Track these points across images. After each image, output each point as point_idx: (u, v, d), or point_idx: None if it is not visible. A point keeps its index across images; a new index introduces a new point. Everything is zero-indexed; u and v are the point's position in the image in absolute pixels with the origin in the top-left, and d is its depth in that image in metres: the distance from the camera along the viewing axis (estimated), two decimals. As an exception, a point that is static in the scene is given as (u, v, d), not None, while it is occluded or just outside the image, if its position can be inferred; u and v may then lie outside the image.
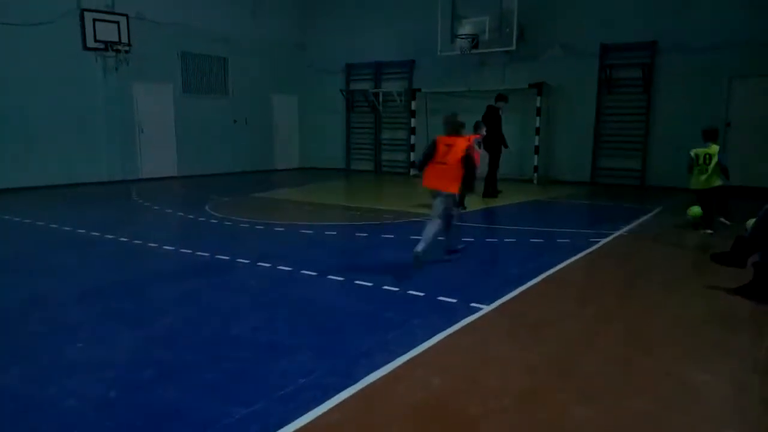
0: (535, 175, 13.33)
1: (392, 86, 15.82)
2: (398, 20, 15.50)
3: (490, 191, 10.65)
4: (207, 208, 9.07)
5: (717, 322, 4.07)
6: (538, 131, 13.19)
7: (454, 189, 5.43)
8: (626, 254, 6.28)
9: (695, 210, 7.64)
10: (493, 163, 10.66)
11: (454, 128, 5.58)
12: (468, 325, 3.84)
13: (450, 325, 3.78)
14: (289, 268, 5.29)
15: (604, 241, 6.67)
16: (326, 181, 14.00)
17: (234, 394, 2.86)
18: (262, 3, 15.98)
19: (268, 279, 5.05)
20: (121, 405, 2.76)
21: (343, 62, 16.70)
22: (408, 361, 3.24)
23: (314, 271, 5.18)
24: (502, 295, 4.46)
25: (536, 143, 13.22)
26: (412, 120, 15.38)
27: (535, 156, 13.34)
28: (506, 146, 10.86)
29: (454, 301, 4.33)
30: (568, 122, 13.22)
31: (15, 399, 2.82)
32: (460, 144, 5.41)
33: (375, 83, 16.33)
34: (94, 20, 12.13)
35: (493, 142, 10.37)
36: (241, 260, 5.61)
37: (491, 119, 10.36)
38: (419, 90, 15.17)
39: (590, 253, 6.10)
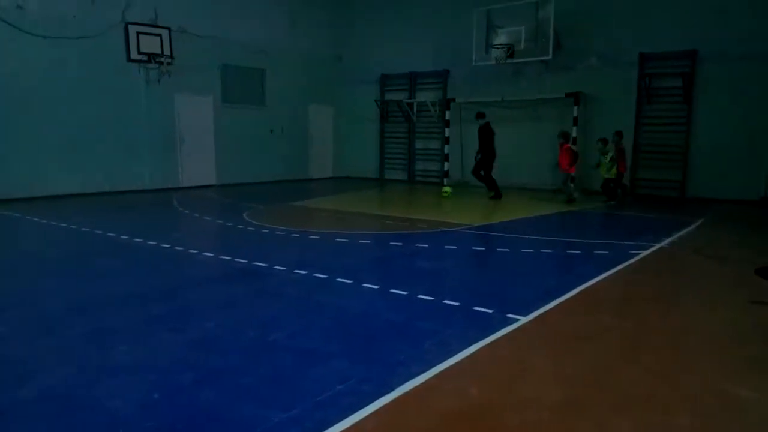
0: (572, 185, 13.13)
1: (426, 96, 15.87)
2: (433, 31, 15.58)
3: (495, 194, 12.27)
4: (245, 216, 9.24)
5: (762, 337, 3.93)
6: (575, 141, 13.01)
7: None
8: (667, 267, 6.12)
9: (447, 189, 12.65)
10: (489, 168, 12.30)
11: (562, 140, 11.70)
12: (504, 336, 3.81)
13: (486, 336, 3.76)
14: (325, 276, 5.35)
15: (644, 253, 6.52)
16: (360, 191, 14.09)
17: (272, 399, 2.90)
18: (300, 15, 16.30)
19: (305, 286, 5.11)
20: (163, 407, 2.83)
21: (378, 73, 16.84)
22: (444, 370, 3.24)
23: (349, 279, 5.23)
24: (540, 307, 4.41)
25: (573, 153, 13.03)
26: (446, 130, 15.36)
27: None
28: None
29: (491, 311, 4.30)
30: (606, 132, 12.99)
31: (63, 399, 2.92)
32: (564, 146, 11.70)
33: (409, 93, 16.41)
34: (138, 33, 12.56)
35: (491, 152, 12.19)
36: (278, 267, 5.70)
37: (488, 134, 12.10)
38: (453, 100, 15.17)
39: (630, 265, 5.97)
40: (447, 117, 15.26)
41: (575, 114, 13.02)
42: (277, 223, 8.49)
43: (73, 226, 8.14)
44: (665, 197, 12.35)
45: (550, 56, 13.07)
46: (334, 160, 17.92)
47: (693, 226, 8.57)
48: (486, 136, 12.07)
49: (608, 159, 11.78)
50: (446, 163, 15.54)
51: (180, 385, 3.06)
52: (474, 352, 3.51)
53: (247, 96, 15.20)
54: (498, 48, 13.73)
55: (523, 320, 4.11)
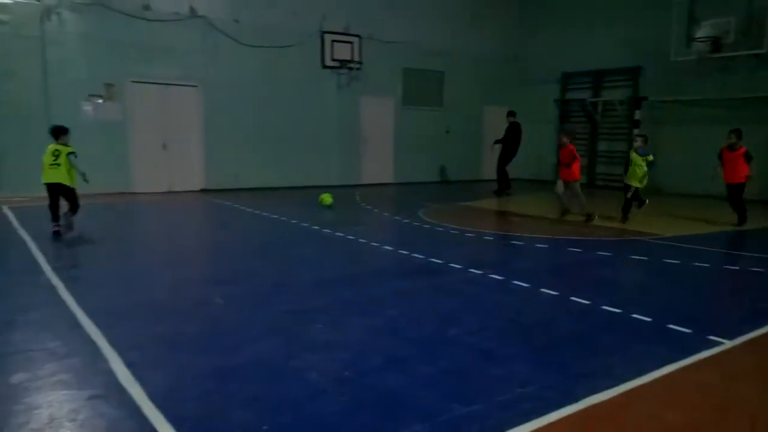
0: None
1: (613, 95, 14.86)
2: (622, 25, 14.53)
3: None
4: (420, 213, 9.54)
5: None
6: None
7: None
8: None
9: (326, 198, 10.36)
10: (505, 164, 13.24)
11: (735, 141, 8.88)
12: (705, 359, 3.44)
13: (682, 358, 3.43)
14: (501, 278, 5.32)
15: None
16: (535, 193, 13.69)
17: (452, 392, 2.98)
18: (479, 16, 16.31)
19: (480, 286, 5.14)
20: (354, 384, 3.07)
21: (560, 71, 16.18)
22: (634, 389, 3.03)
23: (526, 283, 5.13)
24: (749, 331, 3.90)
25: (793, 159, 11.24)
26: (635, 131, 14.21)
27: (791, 174, 11.34)
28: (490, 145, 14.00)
29: (688, 331, 3.91)
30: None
31: (270, 366, 3.31)
32: (741, 150, 8.80)
33: (594, 92, 15.49)
34: (333, 41, 13.62)
35: (513, 149, 13.27)
36: (453, 265, 5.81)
37: (517, 132, 13.18)
38: (645, 98, 13.98)
39: None
40: (636, 117, 14.14)
41: (798, 114, 11.22)
42: (451, 222, 8.63)
43: (275, 216, 9.14)
44: None
45: (765, 49, 11.42)
46: (508, 161, 17.63)
47: None
48: (513, 133, 13.10)
49: (647, 163, 8.80)
50: (632, 168, 14.39)
51: (368, 366, 3.29)
52: (669, 374, 3.23)
53: (425, 98, 15.65)
54: (701, 41, 12.36)
55: (728, 344, 3.67)
